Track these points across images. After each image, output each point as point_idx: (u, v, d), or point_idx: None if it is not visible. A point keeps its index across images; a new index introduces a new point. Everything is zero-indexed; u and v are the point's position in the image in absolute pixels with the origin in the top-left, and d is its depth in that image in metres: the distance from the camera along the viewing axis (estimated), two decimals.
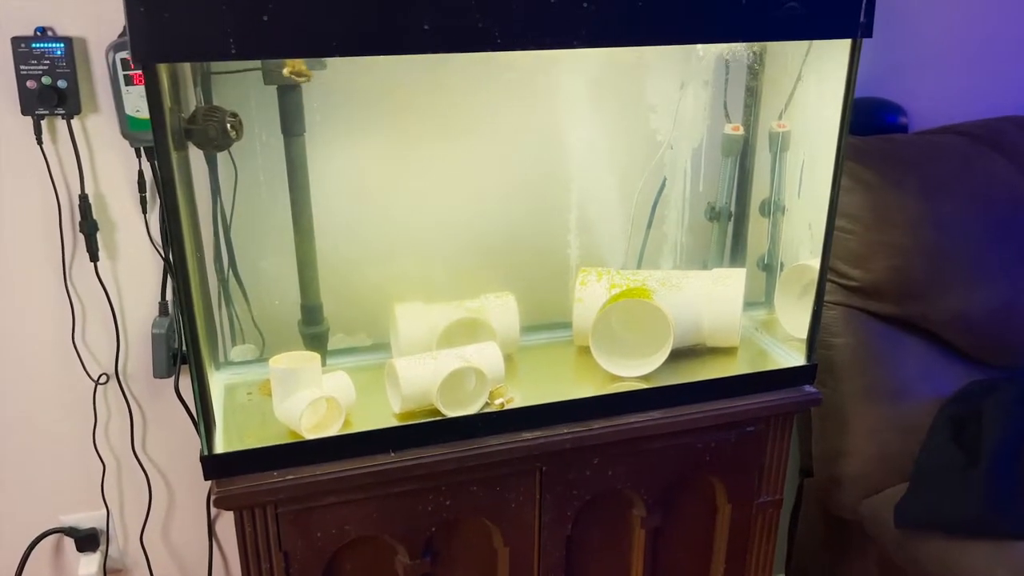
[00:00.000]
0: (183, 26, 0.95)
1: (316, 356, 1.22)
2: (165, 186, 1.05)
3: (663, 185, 1.51)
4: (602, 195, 1.49)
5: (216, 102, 1.24)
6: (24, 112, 1.30)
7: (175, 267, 1.10)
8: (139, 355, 1.50)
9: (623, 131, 1.48)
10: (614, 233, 1.52)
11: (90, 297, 1.45)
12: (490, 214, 1.45)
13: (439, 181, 1.42)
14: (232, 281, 1.37)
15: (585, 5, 1.08)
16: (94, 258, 1.41)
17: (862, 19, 1.20)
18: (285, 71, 1.16)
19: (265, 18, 0.98)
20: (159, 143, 1.02)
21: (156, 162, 1.06)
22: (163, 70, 1.00)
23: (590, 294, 1.41)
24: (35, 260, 1.40)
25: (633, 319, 1.40)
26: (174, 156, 1.06)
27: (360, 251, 1.41)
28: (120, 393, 1.52)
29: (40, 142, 1.33)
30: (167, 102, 1.03)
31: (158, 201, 1.41)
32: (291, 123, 1.26)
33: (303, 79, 1.18)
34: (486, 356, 1.30)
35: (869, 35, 1.21)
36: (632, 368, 1.37)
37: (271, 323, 1.40)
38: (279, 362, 1.21)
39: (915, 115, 1.79)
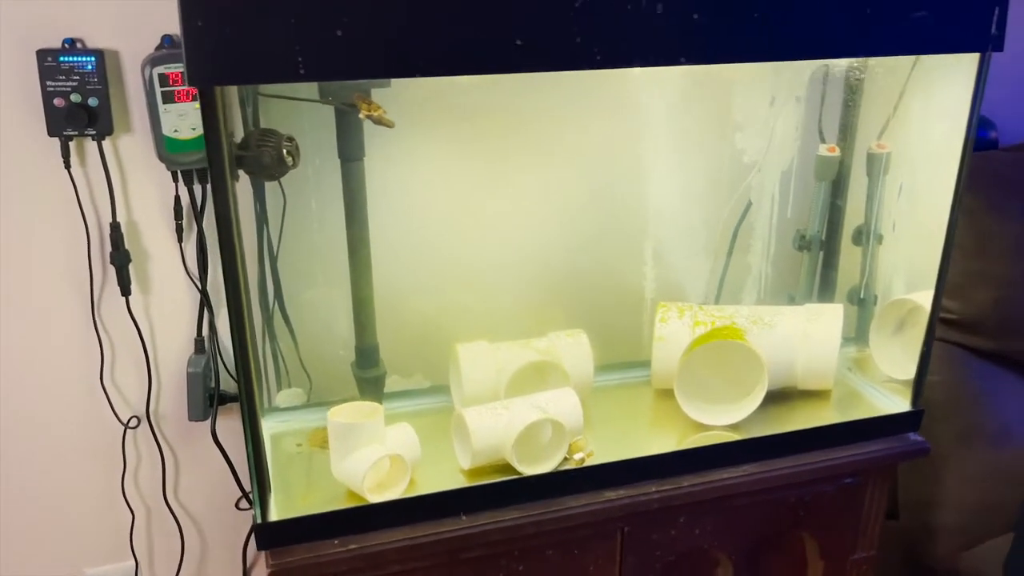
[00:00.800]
0: (246, 43, 0.83)
1: (379, 408, 1.09)
2: (221, 223, 0.92)
3: (747, 209, 1.38)
4: (681, 222, 1.37)
5: (265, 123, 1.11)
6: (51, 133, 1.17)
7: (231, 315, 0.97)
8: (172, 396, 1.38)
9: (705, 151, 1.35)
10: (693, 264, 1.39)
11: (120, 334, 1.32)
12: (559, 244, 1.32)
13: (505, 209, 1.29)
14: (278, 318, 1.24)
15: (695, 17, 0.95)
16: (125, 292, 1.28)
17: (993, 31, 1.07)
18: (361, 114, 1.03)
19: (339, 33, 0.85)
20: (216, 176, 0.90)
21: (212, 198, 0.94)
22: (220, 93, 0.87)
23: (672, 332, 1.28)
24: (62, 294, 1.28)
25: (721, 361, 1.28)
26: (231, 188, 0.93)
27: (419, 285, 1.28)
28: (151, 436, 1.39)
29: (68, 165, 1.21)
30: (224, 129, 0.90)
31: (195, 229, 1.28)
32: (349, 147, 1.13)
33: (385, 124, 1.04)
34: (563, 405, 1.17)
35: (1000, 48, 1.08)
36: (720, 415, 1.24)
37: (320, 364, 1.28)
38: (339, 415, 1.08)
39: (1003, 130, 1.66)
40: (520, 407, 1.15)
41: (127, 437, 1.37)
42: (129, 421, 1.36)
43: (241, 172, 1.07)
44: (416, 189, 1.25)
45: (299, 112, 1.14)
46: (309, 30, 0.84)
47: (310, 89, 1.10)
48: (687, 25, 0.96)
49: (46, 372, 1.31)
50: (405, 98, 1.17)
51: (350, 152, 1.14)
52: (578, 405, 1.18)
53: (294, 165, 1.05)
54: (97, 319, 1.30)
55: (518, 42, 0.91)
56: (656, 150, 1.32)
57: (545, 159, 1.29)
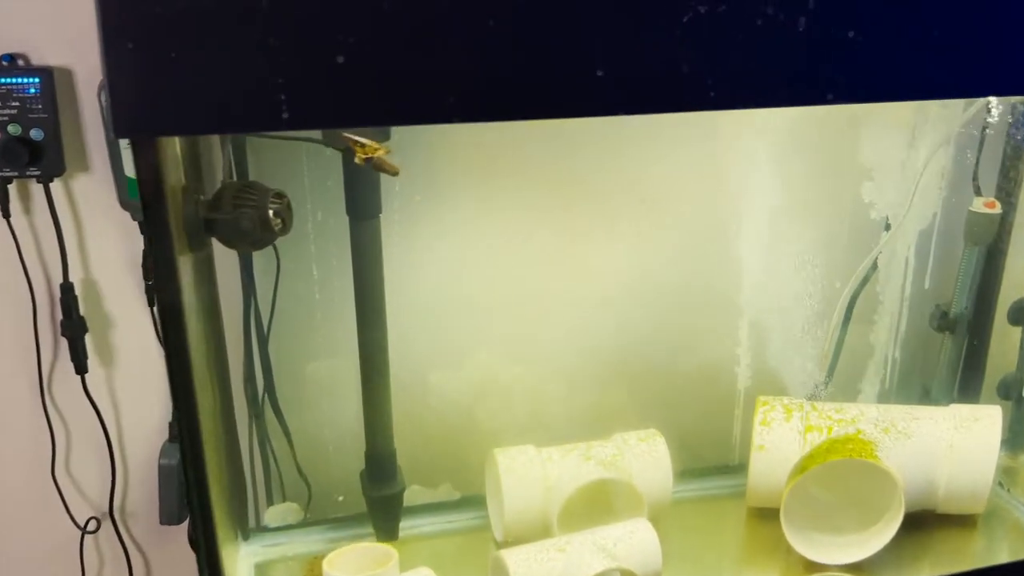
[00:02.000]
0: (200, 77, 0.55)
1: (391, 554, 0.82)
2: (166, 317, 0.65)
3: (869, 276, 1.08)
4: (785, 292, 1.07)
5: (252, 172, 0.84)
6: None
7: (183, 439, 0.71)
8: (141, 491, 1.12)
9: (821, 205, 1.06)
10: (800, 345, 1.10)
11: (76, 419, 1.06)
12: (627, 319, 1.04)
13: (557, 277, 1.01)
14: (269, 413, 0.97)
15: (851, 35, 0.66)
16: (81, 370, 1.02)
17: None
18: (358, 158, 0.75)
19: (340, 60, 0.57)
20: (158, 256, 0.63)
21: (154, 283, 0.66)
22: (164, 143, 0.60)
23: (776, 440, 0.99)
24: (1, 374, 1.02)
25: (841, 480, 0.98)
26: (183, 270, 0.67)
27: (447, 371, 1.01)
28: (116, 540, 1.13)
29: (6, 214, 0.95)
30: (165, 191, 0.63)
31: None
32: (361, 201, 0.86)
33: (387, 170, 0.76)
34: (636, 544, 0.89)
35: None
36: (839, 551, 0.95)
37: (322, 469, 1.01)
38: (338, 566, 0.81)
39: None
40: (580, 548, 0.87)
41: (85, 544, 1.11)
42: (87, 524, 1.11)
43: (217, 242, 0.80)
44: (444, 254, 0.98)
45: (295, 154, 0.87)
46: (296, 54, 0.57)
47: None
48: (838, 51, 0.67)
49: None
50: (428, 139, 0.89)
51: (362, 207, 0.86)
52: (655, 543, 0.89)
53: (283, 231, 0.78)
54: (47, 402, 1.04)
55: (599, 73, 0.62)
56: (754, 203, 1.03)
57: (609, 215, 1.01)
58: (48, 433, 1.06)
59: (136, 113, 0.56)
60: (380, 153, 0.73)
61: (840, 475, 0.97)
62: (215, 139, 0.83)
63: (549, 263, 1.01)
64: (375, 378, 0.93)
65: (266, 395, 0.97)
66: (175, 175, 0.74)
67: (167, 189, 0.61)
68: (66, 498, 1.09)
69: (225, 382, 0.92)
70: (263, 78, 0.57)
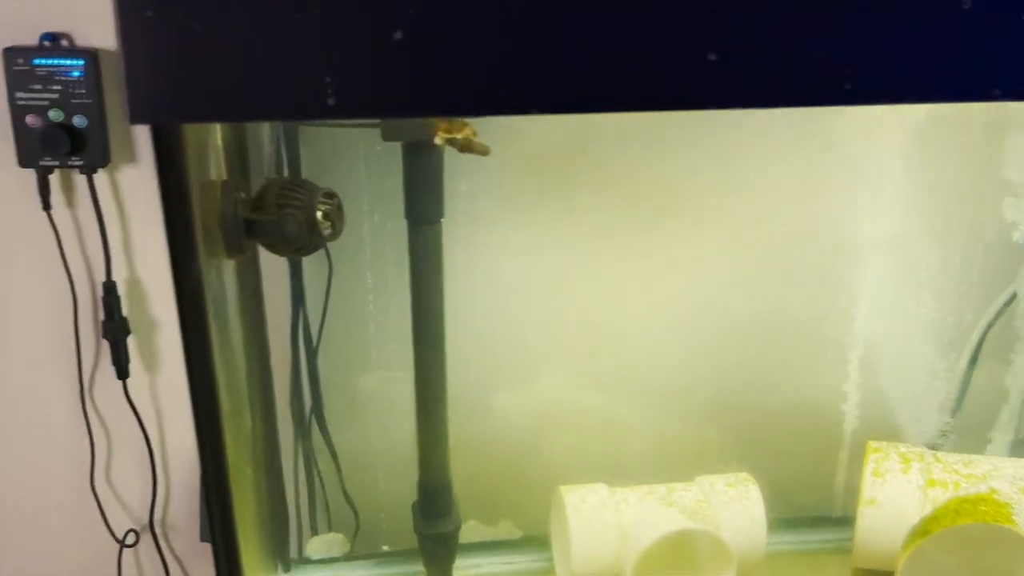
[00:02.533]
0: (231, 54, 0.46)
1: None
2: (186, 328, 0.57)
3: (1008, 304, 0.93)
4: (904, 320, 0.93)
5: (305, 170, 0.76)
6: (23, 163, 0.86)
7: (200, 443, 0.62)
8: (184, 504, 1.05)
9: (952, 222, 0.91)
10: (920, 383, 0.95)
11: (117, 426, 1.00)
12: (717, 347, 0.92)
13: (636, 295, 0.90)
14: (315, 432, 0.89)
15: None
16: (122, 374, 0.96)
17: None
18: (439, 139, 0.65)
19: (398, 36, 0.47)
20: (176, 261, 0.54)
21: (175, 290, 0.57)
22: (191, 131, 0.52)
23: (891, 494, 0.85)
24: (40, 377, 0.96)
25: (968, 547, 0.84)
26: (219, 275, 0.58)
27: (511, 396, 0.90)
28: (156, 554, 1.06)
29: (47, 206, 0.88)
30: (197, 183, 0.54)
31: None
32: (422, 204, 0.76)
33: (476, 151, 0.66)
34: None
35: None
36: None
37: (371, 495, 0.91)
38: None
39: None
40: None
41: (123, 558, 1.05)
42: (126, 537, 1.04)
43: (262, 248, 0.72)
44: (511, 265, 0.87)
45: (351, 149, 0.78)
46: (346, 33, 0.47)
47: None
48: (1014, 33, 0.53)
49: (20, 477, 1.00)
50: (497, 135, 0.79)
51: (422, 211, 0.76)
52: None
53: (333, 235, 0.69)
54: (87, 408, 0.98)
55: (711, 57, 0.51)
56: (872, 219, 0.89)
57: (701, 228, 0.88)
58: (88, 440, 0.99)
59: (155, 96, 0.47)
60: (467, 132, 0.63)
61: (969, 541, 0.83)
62: (264, 128, 0.75)
63: (629, 279, 0.90)
64: (431, 399, 0.83)
65: (313, 414, 0.88)
66: (214, 168, 0.65)
67: (191, 184, 0.52)
68: (105, 509, 1.03)
69: (268, 398, 0.84)
70: (305, 56, 0.47)
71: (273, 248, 0.69)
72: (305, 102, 0.49)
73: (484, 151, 0.69)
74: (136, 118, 0.48)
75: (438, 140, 0.68)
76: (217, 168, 0.67)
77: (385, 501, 0.91)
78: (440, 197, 0.76)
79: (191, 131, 0.54)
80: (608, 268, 0.87)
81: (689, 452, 0.91)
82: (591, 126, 0.81)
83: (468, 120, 0.68)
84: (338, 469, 0.89)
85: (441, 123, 0.67)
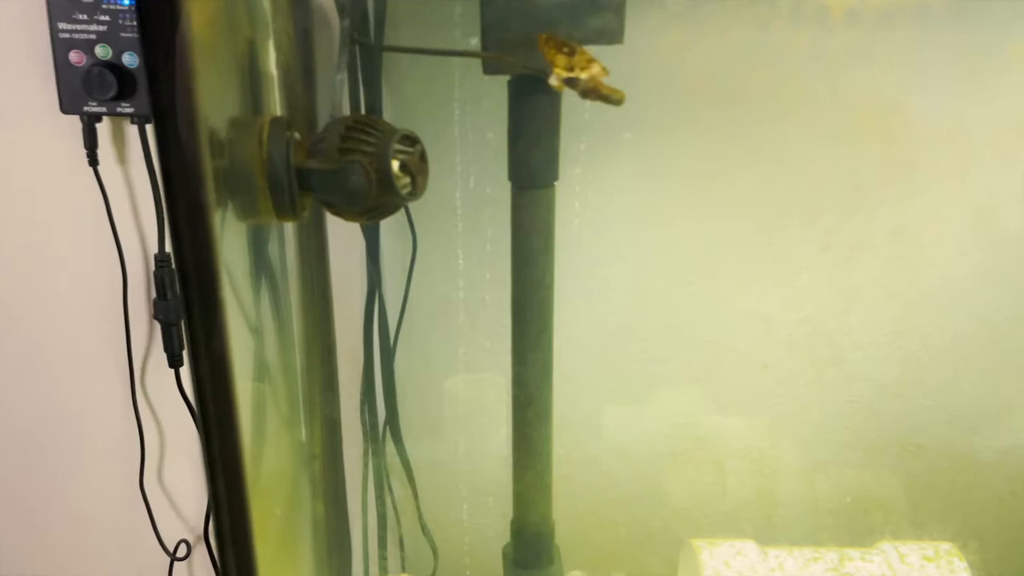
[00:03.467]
0: None
1: None
2: (192, 311, 0.41)
3: None
4: None
5: (388, 113, 0.59)
6: (65, 109, 0.73)
7: (209, 463, 0.46)
8: None
9: None
10: None
11: (171, 420, 0.87)
12: (910, 370, 0.69)
13: (813, 283, 0.69)
14: (390, 448, 0.72)
15: None
16: (175, 362, 0.82)
17: None
18: (555, 79, 0.47)
19: None
20: (176, 214, 0.38)
21: (173, 250, 0.41)
22: (211, 31, 0.35)
23: None
24: (85, 364, 0.84)
25: None
26: (263, 243, 0.42)
27: (630, 414, 0.71)
28: (211, 569, 0.93)
29: (94, 161, 0.75)
30: (218, 114, 0.38)
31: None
32: (531, 162, 0.58)
33: (606, 98, 0.47)
34: None
35: None
36: None
37: (453, 531, 0.74)
38: None
39: None
40: None
41: (174, 572, 0.92)
42: (177, 548, 0.91)
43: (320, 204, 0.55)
44: (642, 244, 0.68)
45: (445, 92, 0.61)
46: None
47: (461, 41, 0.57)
48: None
49: (61, 474, 0.88)
50: (641, 67, 0.60)
51: (531, 171, 0.58)
52: None
53: (413, 194, 0.51)
54: (137, 398, 0.85)
55: None
56: None
57: (919, 185, 0.66)
58: (137, 437, 0.87)
59: None
60: (595, 71, 0.45)
61: None
62: (332, 50, 0.59)
63: (804, 265, 0.69)
64: (533, 415, 0.65)
65: (388, 424, 0.71)
66: (261, 99, 0.49)
67: (198, 106, 0.35)
68: (155, 515, 0.90)
69: (332, 406, 0.68)
70: None
71: (334, 208, 0.52)
72: None
73: (617, 99, 0.50)
74: None
75: (553, 81, 0.50)
76: (267, 100, 0.51)
77: (471, 539, 0.74)
78: (555, 154, 0.58)
79: (212, 30, 0.38)
80: (774, 249, 0.67)
81: (868, 506, 0.70)
82: (763, 56, 0.61)
83: (591, 56, 0.50)
84: (415, 496, 0.72)
85: (558, 55, 0.49)
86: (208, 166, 0.38)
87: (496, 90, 0.58)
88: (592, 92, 0.47)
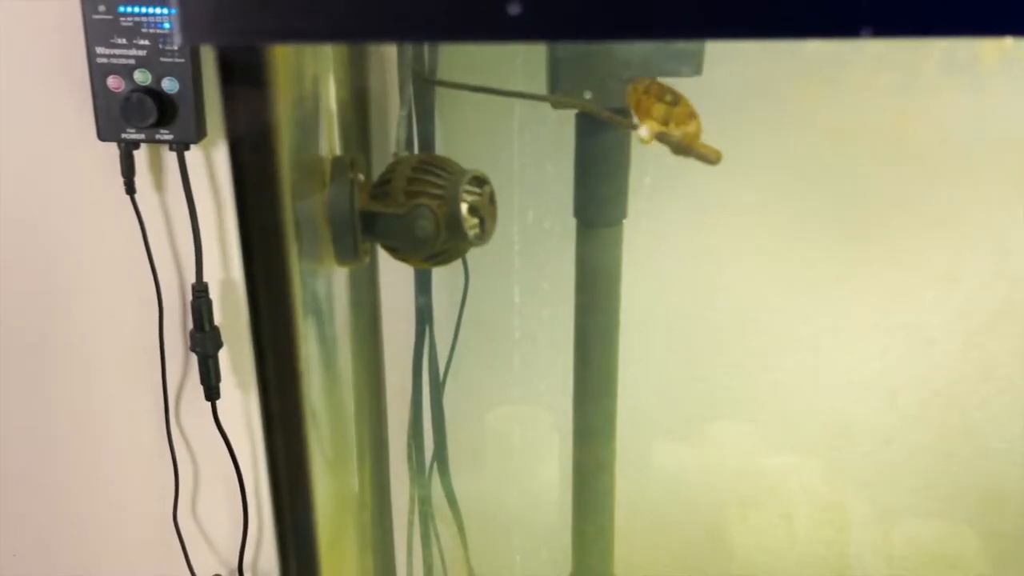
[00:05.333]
0: None
1: None
2: (263, 352, 0.38)
3: None
4: None
5: (440, 144, 0.56)
6: (102, 136, 0.70)
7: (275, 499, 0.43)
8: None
9: None
10: None
11: (206, 453, 0.85)
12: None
13: (906, 315, 0.65)
14: (437, 490, 0.69)
15: None
16: (212, 395, 0.79)
17: None
18: (646, 130, 0.44)
19: None
20: (252, 268, 0.36)
21: (248, 303, 0.38)
22: (282, 65, 0.32)
23: None
24: (118, 395, 0.82)
25: None
26: (324, 283, 0.40)
27: (699, 459, 0.68)
28: None
29: (131, 189, 0.73)
30: (285, 155, 0.35)
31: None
32: (599, 199, 0.55)
33: (702, 156, 0.44)
34: None
35: None
36: None
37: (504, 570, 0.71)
38: None
39: None
40: None
41: None
42: None
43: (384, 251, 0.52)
44: (714, 283, 0.64)
45: (503, 118, 0.58)
46: None
47: (531, 81, 0.53)
48: None
49: (94, 505, 0.86)
50: (725, 97, 0.56)
51: (599, 208, 0.55)
52: None
53: (481, 238, 0.49)
54: (172, 430, 0.83)
55: None
56: None
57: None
58: (171, 469, 0.84)
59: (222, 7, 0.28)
60: (691, 128, 0.41)
61: None
62: (392, 87, 0.56)
63: (893, 297, 0.65)
64: (594, 465, 0.62)
65: (434, 464, 0.69)
66: (322, 137, 0.47)
67: (281, 151, 0.33)
68: (188, 549, 0.87)
69: (379, 444, 0.65)
70: None
71: (398, 253, 0.49)
72: (461, 15, 0.28)
73: (715, 159, 0.47)
74: (192, 36, 0.29)
75: (643, 133, 0.46)
76: (328, 138, 0.48)
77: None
78: (624, 191, 0.55)
79: (284, 74, 0.35)
80: (856, 284, 0.63)
81: (960, 561, 0.66)
82: (842, 96, 0.58)
83: (693, 109, 0.46)
84: (463, 543, 0.69)
85: (656, 104, 0.46)
86: (287, 211, 0.35)
87: (557, 119, 0.55)
88: (686, 150, 0.44)
